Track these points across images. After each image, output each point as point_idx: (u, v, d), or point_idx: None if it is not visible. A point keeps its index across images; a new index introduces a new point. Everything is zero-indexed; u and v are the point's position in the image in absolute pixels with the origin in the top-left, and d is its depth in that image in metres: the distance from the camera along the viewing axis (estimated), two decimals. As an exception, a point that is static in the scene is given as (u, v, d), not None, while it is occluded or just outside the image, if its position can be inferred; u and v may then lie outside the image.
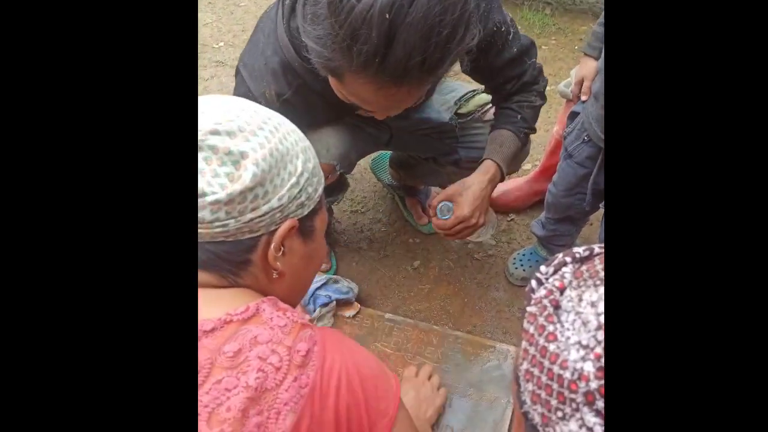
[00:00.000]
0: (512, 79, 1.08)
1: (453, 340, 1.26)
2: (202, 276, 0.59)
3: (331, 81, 0.84)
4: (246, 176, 0.55)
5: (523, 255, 1.45)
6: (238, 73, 1.00)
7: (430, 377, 1.12)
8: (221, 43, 2.26)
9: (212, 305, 0.56)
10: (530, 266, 1.43)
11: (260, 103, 0.94)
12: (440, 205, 1.09)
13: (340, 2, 0.69)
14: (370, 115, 0.92)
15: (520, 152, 1.16)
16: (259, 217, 0.57)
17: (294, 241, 0.62)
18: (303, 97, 0.95)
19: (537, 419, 0.42)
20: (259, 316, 0.56)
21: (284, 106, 0.96)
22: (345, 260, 1.51)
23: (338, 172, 1.12)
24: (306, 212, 0.62)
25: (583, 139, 1.13)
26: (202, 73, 2.10)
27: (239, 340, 0.53)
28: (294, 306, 0.64)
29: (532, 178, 1.59)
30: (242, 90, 0.98)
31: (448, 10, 0.69)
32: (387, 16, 0.67)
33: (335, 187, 1.24)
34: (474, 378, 1.17)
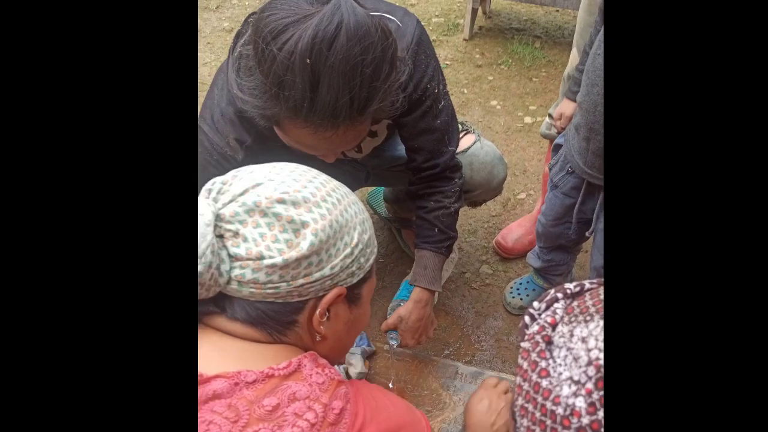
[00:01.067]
0: (425, 151, 1.08)
1: (453, 370, 1.26)
2: (250, 331, 0.61)
3: (276, 129, 0.86)
4: (304, 245, 0.57)
5: (520, 284, 1.46)
6: (199, 131, 1.00)
7: (506, 392, 1.13)
8: (220, 82, 2.32)
9: (257, 360, 0.58)
10: (527, 295, 1.44)
11: (225, 152, 0.97)
12: (387, 334, 1.24)
13: (263, 53, 0.72)
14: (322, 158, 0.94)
15: (446, 258, 1.20)
16: (310, 283, 0.59)
17: (340, 307, 0.64)
18: (263, 144, 0.97)
19: None
20: (299, 372, 0.58)
21: (248, 152, 0.98)
22: (343, 292, 1.52)
23: None
24: (355, 281, 0.64)
25: (567, 170, 1.16)
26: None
27: (278, 395, 0.55)
28: (333, 363, 0.66)
29: (536, 217, 1.61)
30: (206, 144, 0.98)
31: (369, 49, 0.72)
32: (308, 61, 0.70)
33: None
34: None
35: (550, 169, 1.24)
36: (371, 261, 0.65)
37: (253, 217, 0.57)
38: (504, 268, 1.57)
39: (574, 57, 1.37)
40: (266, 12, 0.74)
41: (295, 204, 0.58)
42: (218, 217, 0.57)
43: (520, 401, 0.44)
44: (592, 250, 1.25)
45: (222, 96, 0.96)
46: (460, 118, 1.28)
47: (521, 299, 1.44)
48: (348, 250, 0.61)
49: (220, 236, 0.58)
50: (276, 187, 0.59)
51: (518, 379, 0.45)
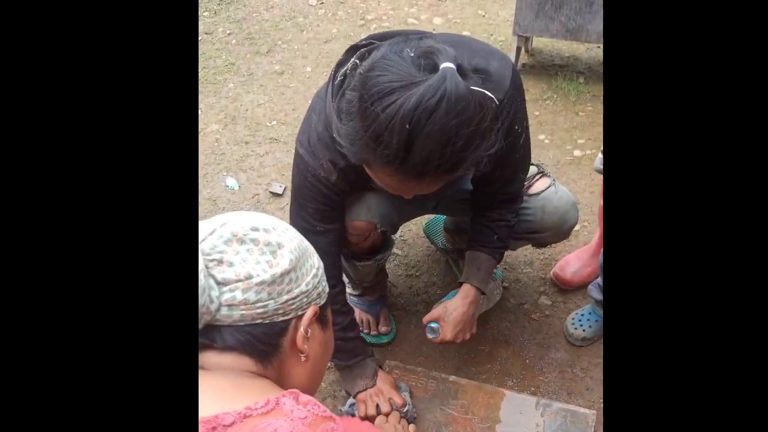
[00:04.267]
0: (499, 182, 1.14)
1: (521, 402, 1.26)
2: (239, 360, 0.63)
3: (365, 167, 0.92)
4: (284, 262, 0.64)
5: (582, 315, 1.46)
6: (296, 153, 1.09)
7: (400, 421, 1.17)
8: (274, 122, 2.41)
9: (234, 399, 0.58)
10: (590, 326, 1.44)
11: (319, 174, 1.05)
12: (428, 326, 1.27)
13: (366, 110, 0.78)
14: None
15: (496, 266, 1.29)
16: (293, 299, 0.65)
17: (315, 327, 0.70)
18: (356, 168, 1.03)
19: None
20: (279, 409, 0.58)
21: (341, 175, 1.05)
22: (403, 323, 1.54)
23: (379, 230, 1.20)
24: (322, 302, 0.71)
25: None
26: (257, 150, 2.24)
27: None
28: (312, 393, 0.68)
29: (595, 250, 1.61)
30: (302, 167, 1.06)
31: (464, 123, 0.77)
32: (407, 126, 0.75)
33: (380, 246, 1.30)
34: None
35: None
36: (327, 290, 0.72)
37: (232, 246, 0.62)
38: (563, 299, 1.58)
39: None
40: (376, 71, 0.80)
41: (266, 231, 0.65)
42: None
43: None
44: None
45: (319, 121, 1.03)
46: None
47: (584, 330, 1.44)
48: (314, 271, 0.68)
49: (205, 267, 0.61)
50: (245, 221, 0.65)
51: None
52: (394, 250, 1.68)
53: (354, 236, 1.20)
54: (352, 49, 1.00)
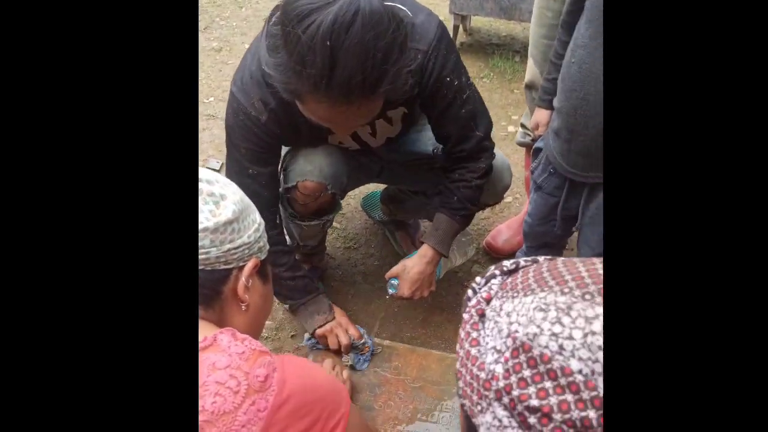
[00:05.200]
0: (453, 137, 1.18)
1: (450, 362, 1.31)
2: None
3: (297, 103, 0.95)
4: (227, 212, 0.67)
5: (511, 280, 1.53)
6: (230, 93, 1.10)
7: (333, 367, 1.21)
8: (211, 98, 2.37)
9: None
10: (518, 290, 1.50)
11: (251, 114, 1.07)
12: (389, 281, 1.32)
13: (289, 34, 0.81)
14: (355, 144, 1.01)
15: (461, 229, 1.31)
16: (234, 248, 0.68)
17: (255, 279, 0.73)
18: (286, 110, 1.05)
19: (467, 410, 0.48)
20: (216, 345, 0.60)
21: (271, 116, 1.07)
22: (341, 293, 1.57)
23: (329, 192, 1.21)
24: (263, 257, 0.74)
25: (549, 171, 1.24)
26: (195, 126, 2.20)
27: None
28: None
29: (523, 218, 1.68)
30: (234, 106, 1.08)
31: (380, 35, 0.81)
32: (327, 43, 0.79)
33: (327, 207, 1.31)
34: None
35: (532, 173, 1.32)
36: (268, 246, 0.76)
37: None
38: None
39: (530, 67, 1.48)
40: None
41: (209, 182, 0.68)
42: None
43: (457, 365, 0.49)
44: (579, 245, 1.33)
45: (253, 61, 1.05)
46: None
47: (512, 294, 1.50)
48: (255, 226, 0.72)
49: None
50: None
51: (457, 347, 0.50)
52: (334, 224, 1.70)
53: (303, 196, 1.21)
54: None
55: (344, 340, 1.29)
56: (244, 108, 1.07)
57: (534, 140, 1.34)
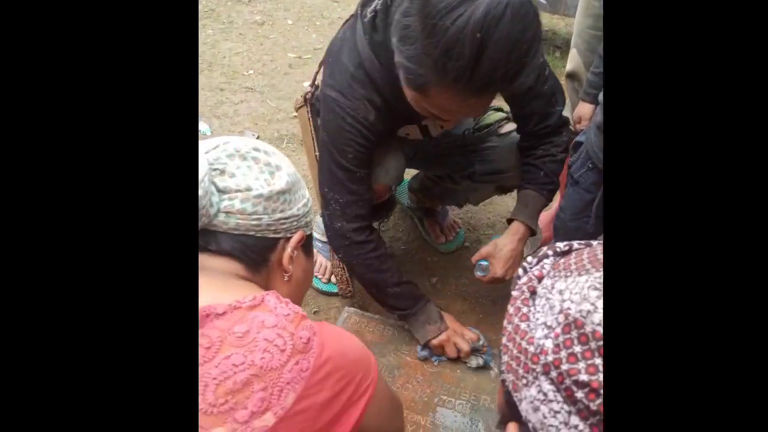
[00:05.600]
0: (537, 116, 1.18)
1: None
2: (230, 264, 0.69)
3: (410, 95, 0.93)
4: (281, 182, 0.70)
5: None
6: (327, 99, 1.08)
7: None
8: (251, 71, 2.40)
9: (225, 293, 0.63)
10: (542, 286, 1.51)
11: (357, 116, 1.06)
12: (477, 263, 1.25)
13: (434, 26, 0.79)
14: (440, 123, 1.02)
15: (546, 205, 1.28)
16: (284, 218, 0.71)
17: (300, 252, 0.76)
18: (390, 108, 1.06)
19: (509, 385, 0.49)
20: (264, 305, 0.63)
21: (378, 114, 1.06)
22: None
23: (393, 191, 1.24)
24: (309, 231, 0.77)
25: (588, 166, 1.23)
26: (233, 98, 2.23)
27: (248, 323, 0.60)
28: None
29: (553, 215, 1.68)
30: (337, 110, 1.06)
31: (527, 28, 0.80)
32: (478, 35, 0.77)
33: (384, 204, 1.32)
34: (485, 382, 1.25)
35: (569, 167, 1.31)
36: (313, 222, 0.77)
37: (234, 161, 0.68)
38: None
39: (573, 57, 1.45)
40: None
41: (266, 153, 0.70)
42: None
43: (504, 340, 0.50)
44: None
45: (350, 61, 1.04)
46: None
47: (536, 290, 1.51)
48: (305, 200, 0.74)
49: (209, 172, 0.65)
50: (247, 141, 0.70)
51: (504, 322, 0.51)
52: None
53: (373, 198, 1.21)
54: None
55: (465, 347, 1.23)
56: (350, 110, 1.05)
57: (576, 133, 1.33)
